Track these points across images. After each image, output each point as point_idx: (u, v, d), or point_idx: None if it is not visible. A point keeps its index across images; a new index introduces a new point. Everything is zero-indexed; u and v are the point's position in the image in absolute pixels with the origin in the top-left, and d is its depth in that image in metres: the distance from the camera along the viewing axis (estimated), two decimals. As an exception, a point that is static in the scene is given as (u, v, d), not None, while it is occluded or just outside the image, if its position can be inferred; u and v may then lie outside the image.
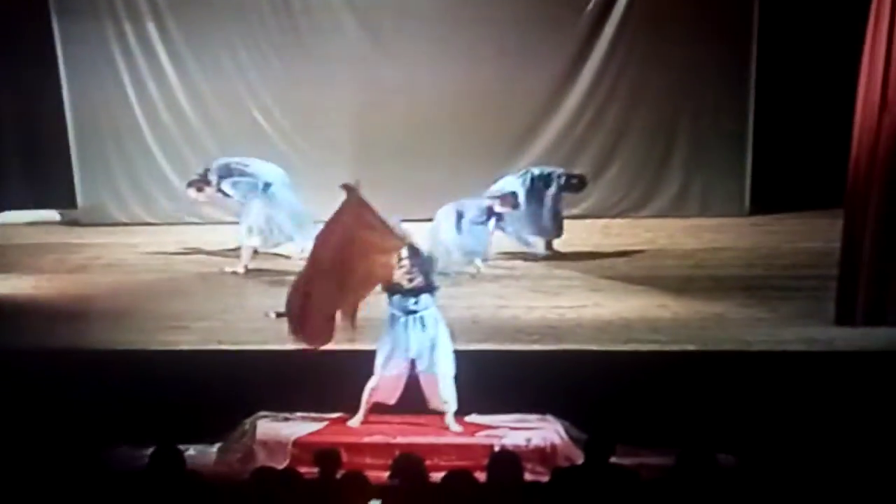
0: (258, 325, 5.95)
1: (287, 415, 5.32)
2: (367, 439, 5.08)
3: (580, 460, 4.45)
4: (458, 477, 3.94)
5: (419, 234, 6.57)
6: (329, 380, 5.30)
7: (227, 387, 5.24)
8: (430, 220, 6.94)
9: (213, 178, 6.97)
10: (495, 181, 7.09)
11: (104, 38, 8.19)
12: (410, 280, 5.03)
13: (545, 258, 7.19)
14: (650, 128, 8.06)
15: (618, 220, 8.16)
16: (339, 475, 4.17)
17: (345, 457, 4.50)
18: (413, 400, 5.16)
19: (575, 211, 8.00)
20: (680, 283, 6.54)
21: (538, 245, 7.23)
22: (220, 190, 7.02)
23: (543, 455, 4.97)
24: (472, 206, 6.84)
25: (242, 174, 6.99)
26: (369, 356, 5.13)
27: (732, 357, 5.37)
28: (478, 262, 6.84)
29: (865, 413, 4.96)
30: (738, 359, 5.36)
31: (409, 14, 7.95)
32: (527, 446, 4.95)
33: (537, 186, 7.06)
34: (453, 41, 7.92)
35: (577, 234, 7.62)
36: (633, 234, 7.80)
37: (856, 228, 5.59)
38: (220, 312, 6.24)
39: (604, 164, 8.16)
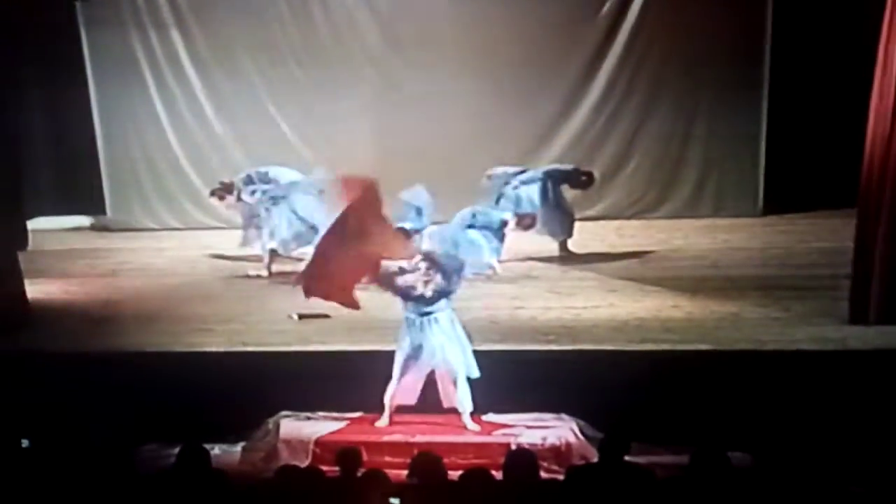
0: (281, 326, 6.07)
1: (309, 414, 5.42)
2: (386, 438, 5.16)
3: (595, 459, 4.49)
4: (475, 475, 4.02)
5: (439, 237, 6.71)
6: (350, 380, 5.38)
7: (251, 387, 5.35)
8: (440, 222, 7.03)
9: (235, 188, 7.11)
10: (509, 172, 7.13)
11: (130, 48, 8.41)
12: (426, 283, 5.11)
13: (560, 259, 7.27)
14: (664, 130, 8.11)
15: (632, 222, 8.21)
16: (359, 474, 4.26)
17: (365, 455, 4.59)
18: (431, 399, 5.24)
19: (590, 212, 8.10)
20: (694, 283, 6.58)
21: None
22: (240, 199, 7.16)
23: (559, 453, 5.03)
24: (490, 215, 6.88)
25: (263, 181, 7.12)
26: (389, 357, 5.22)
27: (746, 356, 5.41)
28: (494, 262, 6.92)
29: (879, 412, 4.98)
30: (752, 358, 5.39)
31: (429, 23, 8.07)
32: (542, 445, 5.01)
33: (548, 186, 7.12)
34: (472, 48, 8.01)
35: (593, 236, 7.70)
36: (647, 235, 7.84)
37: (868, 228, 5.61)
38: (244, 315, 6.36)
39: (619, 166, 8.22)
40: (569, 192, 7.44)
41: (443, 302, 5.13)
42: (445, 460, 4.38)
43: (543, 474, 4.51)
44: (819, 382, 5.18)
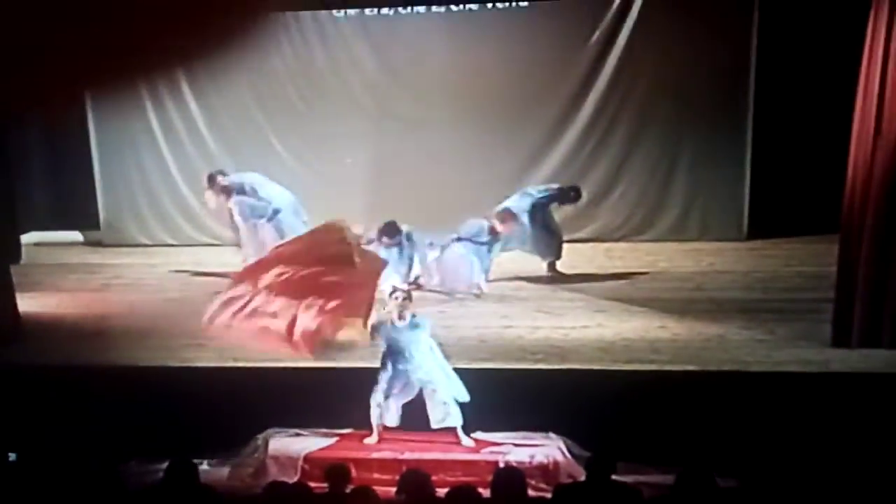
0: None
1: (298, 430, 5.44)
2: (375, 455, 5.19)
3: (582, 477, 4.52)
4: (463, 492, 4.03)
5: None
6: (339, 396, 5.41)
7: (241, 403, 5.36)
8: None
9: (226, 185, 7.10)
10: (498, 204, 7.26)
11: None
12: (401, 317, 5.17)
13: (549, 280, 7.34)
14: (651, 156, 8.21)
15: (620, 244, 8.29)
16: (348, 490, 4.29)
17: (354, 472, 4.62)
18: (420, 417, 5.26)
19: (579, 235, 8.18)
20: (680, 305, 6.64)
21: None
22: (228, 208, 7.19)
23: (546, 472, 5.06)
24: (474, 226, 6.94)
25: (254, 196, 7.17)
26: (377, 374, 5.25)
27: (731, 377, 5.45)
28: (481, 282, 6.98)
29: (860, 433, 5.05)
30: (736, 379, 5.44)
31: (423, 52, 8.18)
32: (530, 463, 5.06)
33: (537, 205, 7.20)
34: (464, 77, 8.10)
35: (581, 257, 7.77)
36: (634, 258, 7.92)
37: (851, 253, 5.66)
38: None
39: (607, 190, 8.32)
40: (558, 214, 7.53)
41: (420, 333, 5.17)
42: (434, 477, 4.43)
43: (531, 492, 4.54)
44: (802, 404, 5.24)
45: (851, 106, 5.58)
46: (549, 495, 4.50)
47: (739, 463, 4.89)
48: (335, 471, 4.38)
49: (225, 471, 5.28)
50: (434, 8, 8.15)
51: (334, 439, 5.37)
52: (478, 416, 5.26)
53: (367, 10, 8.20)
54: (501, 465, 4.93)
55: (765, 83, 7.90)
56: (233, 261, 7.66)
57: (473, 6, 8.14)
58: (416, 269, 6.96)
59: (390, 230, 6.81)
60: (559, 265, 7.42)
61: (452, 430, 5.25)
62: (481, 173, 8.08)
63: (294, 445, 5.30)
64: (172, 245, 8.66)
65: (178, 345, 6.09)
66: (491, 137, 8.07)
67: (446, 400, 5.17)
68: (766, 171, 8.05)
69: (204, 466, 5.00)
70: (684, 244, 8.18)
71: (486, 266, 6.98)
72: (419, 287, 6.82)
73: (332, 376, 5.56)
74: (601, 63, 8.11)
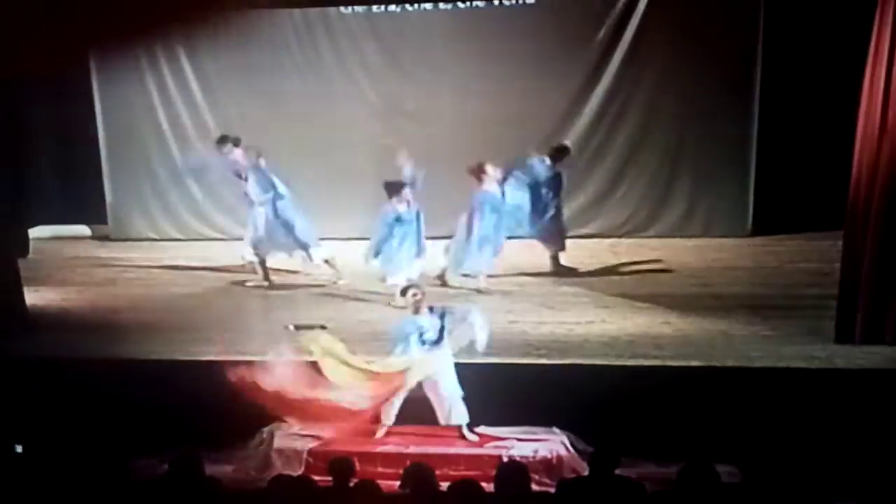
0: (278, 337, 6.11)
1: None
2: (379, 449, 5.22)
3: (586, 472, 4.54)
4: (467, 487, 4.05)
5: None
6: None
7: (247, 396, 5.38)
8: (446, 237, 7.11)
9: (243, 152, 7.06)
10: None
11: (136, 60, 8.50)
12: (417, 312, 5.20)
13: (554, 275, 7.35)
14: (657, 152, 8.23)
15: (625, 240, 8.32)
16: (352, 484, 4.31)
17: (358, 466, 4.65)
18: (424, 411, 5.29)
19: (584, 230, 8.21)
20: (684, 300, 6.66)
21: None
22: (239, 174, 7.11)
23: (550, 466, 5.09)
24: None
25: (265, 174, 7.16)
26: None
27: (734, 373, 5.48)
28: (483, 279, 6.96)
29: (863, 429, 5.07)
30: (740, 375, 5.47)
31: (428, 42, 8.20)
32: (534, 457, 5.08)
33: (528, 174, 7.08)
34: (470, 68, 8.13)
35: (586, 253, 7.79)
36: (639, 254, 7.93)
37: (855, 249, 5.68)
38: (241, 324, 6.42)
39: (612, 186, 8.34)
40: (566, 209, 7.51)
41: (433, 322, 5.20)
42: (437, 472, 4.42)
43: (534, 487, 4.57)
44: (806, 400, 5.26)
45: (856, 103, 5.60)
46: (552, 490, 4.51)
47: (742, 458, 4.91)
48: (339, 464, 4.40)
49: (230, 464, 5.31)
50: (441, 5, 8.16)
51: (339, 433, 5.37)
52: (482, 410, 5.29)
53: (374, 7, 8.21)
54: (505, 459, 4.95)
55: (770, 80, 7.89)
56: (238, 254, 7.72)
57: (480, 3, 8.15)
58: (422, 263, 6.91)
59: (393, 188, 6.73)
60: (563, 260, 7.42)
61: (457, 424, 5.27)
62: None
63: (299, 439, 5.33)
64: (180, 240, 8.71)
65: (185, 338, 6.14)
66: (497, 134, 8.09)
67: (451, 395, 5.19)
68: (770, 167, 8.06)
69: (210, 458, 5.01)
70: (689, 240, 8.20)
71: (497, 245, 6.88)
72: (444, 283, 6.86)
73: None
74: (607, 60, 8.12)
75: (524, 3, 8.12)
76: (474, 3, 8.18)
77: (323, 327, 6.18)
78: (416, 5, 8.21)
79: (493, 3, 8.16)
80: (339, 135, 8.38)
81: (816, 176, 7.60)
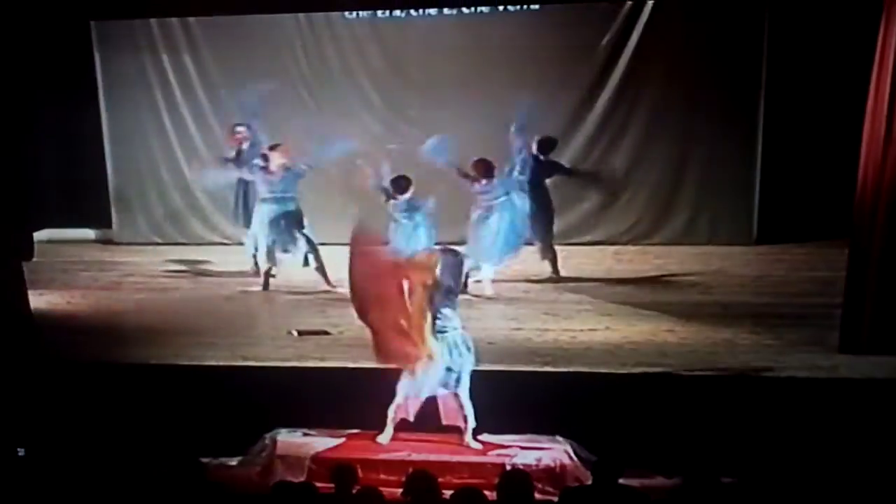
0: (281, 342, 6.13)
1: (306, 430, 5.46)
2: (382, 456, 5.20)
3: (589, 481, 4.53)
4: (469, 494, 4.04)
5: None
6: (347, 397, 5.43)
7: (250, 402, 5.40)
8: (451, 243, 7.09)
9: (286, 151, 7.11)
10: None
11: (142, 65, 8.57)
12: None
13: (557, 282, 7.33)
14: (661, 159, 8.22)
15: (629, 247, 8.31)
16: (354, 490, 4.31)
17: (361, 472, 4.64)
18: (428, 417, 5.28)
19: (588, 237, 8.23)
20: (689, 308, 6.64)
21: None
22: (262, 155, 7.15)
23: (553, 475, 5.07)
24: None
25: (298, 174, 7.17)
26: (387, 374, 5.26)
27: (739, 382, 5.47)
28: (487, 283, 6.94)
29: (868, 439, 5.05)
30: (744, 384, 5.45)
31: (431, 47, 8.22)
32: (537, 466, 5.06)
33: (522, 172, 7.06)
34: (473, 73, 8.14)
35: (590, 260, 7.81)
36: (643, 261, 7.93)
37: (861, 258, 5.67)
38: (245, 329, 6.44)
39: (616, 193, 8.31)
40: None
41: (455, 319, 5.15)
42: (440, 479, 4.42)
43: (538, 495, 4.54)
44: (810, 409, 5.24)
45: (862, 110, 5.59)
46: (555, 499, 4.50)
47: (746, 468, 4.89)
48: (342, 471, 4.40)
49: (233, 469, 5.30)
50: (445, 11, 8.18)
51: (342, 439, 5.38)
52: (485, 418, 5.28)
53: (378, 13, 8.24)
54: (508, 467, 4.94)
55: (775, 87, 7.90)
56: (243, 259, 7.73)
57: (485, 9, 8.16)
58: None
59: (400, 184, 6.74)
60: (561, 269, 7.39)
61: (460, 431, 5.26)
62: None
63: (302, 445, 5.32)
64: (184, 244, 8.73)
65: (189, 343, 6.14)
66: (500, 141, 8.09)
67: (466, 402, 5.18)
68: (776, 175, 8.05)
69: (213, 464, 5.02)
70: (693, 248, 8.19)
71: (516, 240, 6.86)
72: (465, 291, 6.85)
73: (340, 376, 5.60)
74: (611, 67, 8.14)
75: (528, 9, 8.13)
76: (478, 10, 8.19)
77: (326, 332, 6.19)
78: (420, 11, 8.23)
79: (497, 10, 8.16)
80: (340, 136, 8.38)
81: (822, 184, 7.59)
